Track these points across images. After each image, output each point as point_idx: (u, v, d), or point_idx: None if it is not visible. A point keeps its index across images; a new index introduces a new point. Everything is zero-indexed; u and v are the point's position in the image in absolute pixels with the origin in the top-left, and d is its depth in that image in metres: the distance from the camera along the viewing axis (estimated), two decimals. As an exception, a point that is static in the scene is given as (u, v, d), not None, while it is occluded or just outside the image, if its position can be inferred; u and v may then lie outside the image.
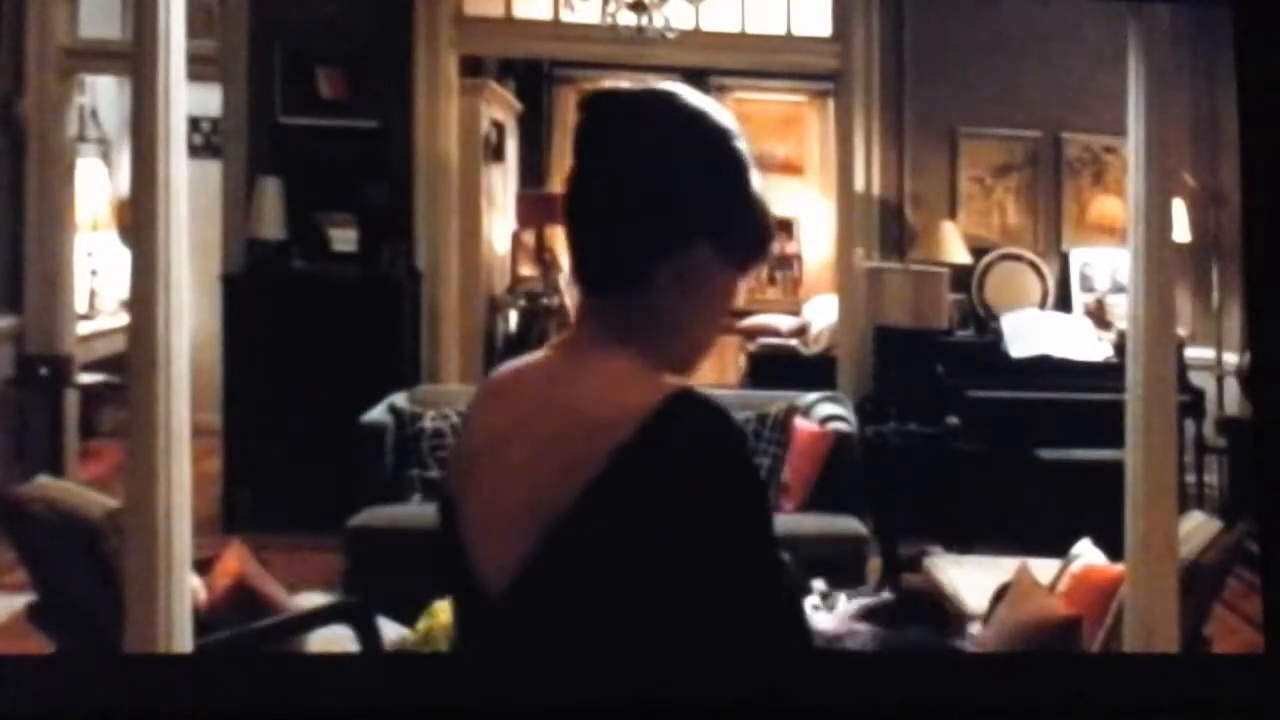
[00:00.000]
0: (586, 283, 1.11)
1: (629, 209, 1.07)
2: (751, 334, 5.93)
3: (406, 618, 3.14)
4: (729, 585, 1.00)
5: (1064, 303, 5.36)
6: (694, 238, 1.07)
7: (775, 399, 4.37)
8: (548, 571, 1.01)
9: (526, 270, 6.46)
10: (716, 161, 1.09)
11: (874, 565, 4.13)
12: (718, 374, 5.90)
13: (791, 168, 6.96)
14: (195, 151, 4.80)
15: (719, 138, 1.10)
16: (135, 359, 2.39)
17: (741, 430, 1.09)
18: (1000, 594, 3.21)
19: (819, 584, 3.42)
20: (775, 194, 1.42)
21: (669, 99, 1.10)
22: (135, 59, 2.39)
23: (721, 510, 1.00)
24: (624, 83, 1.15)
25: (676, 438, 1.00)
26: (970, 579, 3.60)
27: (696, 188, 1.08)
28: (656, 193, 1.07)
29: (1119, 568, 2.86)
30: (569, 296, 6.20)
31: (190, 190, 2.44)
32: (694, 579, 0.99)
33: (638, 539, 0.99)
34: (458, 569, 1.08)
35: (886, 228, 5.37)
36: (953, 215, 5.41)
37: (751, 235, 1.11)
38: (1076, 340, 5.06)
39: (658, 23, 4.76)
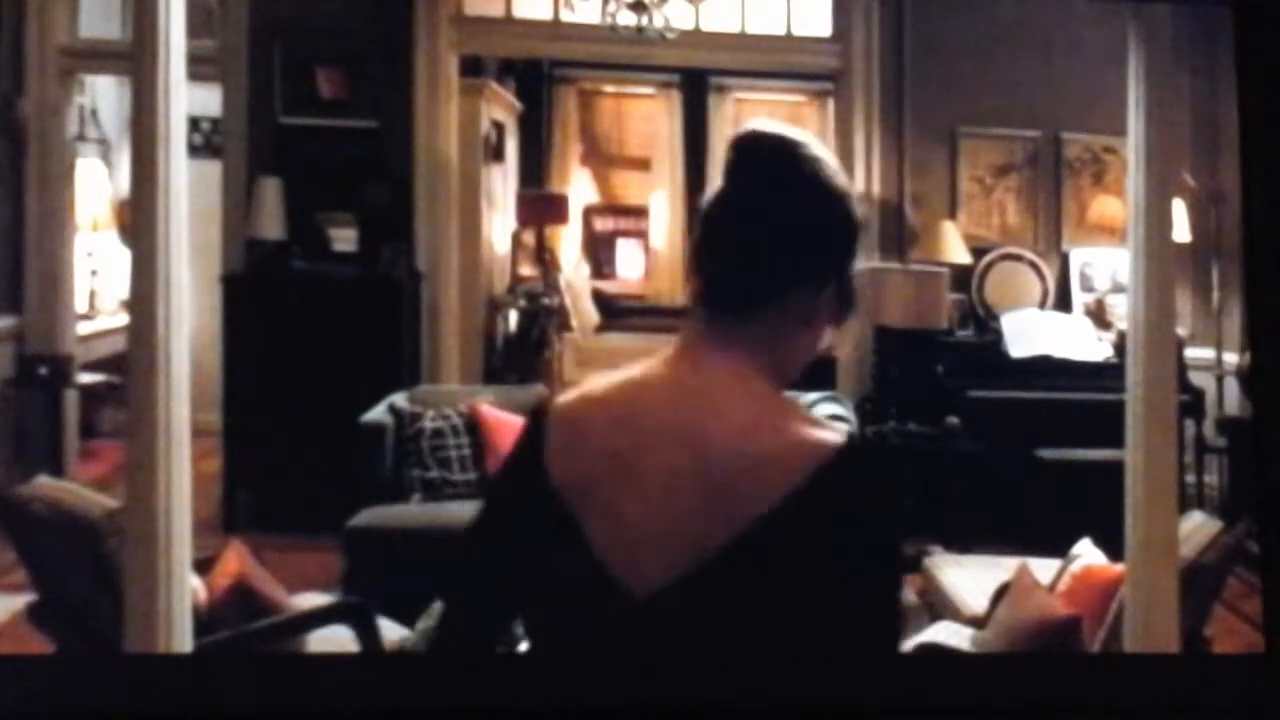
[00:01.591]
0: (723, 301, 1.20)
1: (790, 240, 1.20)
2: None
3: (406, 618, 3.14)
4: (863, 616, 1.14)
5: (1064, 303, 5.36)
6: (829, 279, 1.22)
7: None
8: (703, 587, 1.11)
9: (526, 270, 6.46)
10: (855, 219, 1.26)
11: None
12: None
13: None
14: (195, 151, 4.80)
15: (853, 202, 1.27)
16: (135, 359, 2.39)
17: (899, 481, 1.21)
18: (1000, 594, 3.21)
19: None
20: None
21: (826, 158, 1.24)
22: (135, 59, 2.39)
23: (875, 558, 1.14)
24: (781, 128, 1.26)
25: (851, 488, 1.13)
26: (970, 579, 3.60)
27: (843, 235, 1.25)
28: (817, 231, 1.22)
29: (1119, 568, 2.86)
30: (569, 296, 6.20)
31: (190, 190, 2.44)
32: (832, 606, 1.12)
33: (793, 568, 1.12)
34: (576, 564, 1.15)
35: (886, 228, 5.37)
36: (953, 215, 5.41)
37: (852, 294, 1.26)
38: (1076, 340, 5.06)
39: (658, 23, 4.76)
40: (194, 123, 5.39)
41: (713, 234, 1.22)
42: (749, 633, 1.13)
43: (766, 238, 1.20)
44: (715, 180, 1.24)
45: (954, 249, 5.22)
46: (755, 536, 1.11)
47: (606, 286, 6.84)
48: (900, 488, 1.17)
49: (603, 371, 1.24)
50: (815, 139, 1.25)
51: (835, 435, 1.15)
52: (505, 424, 4.15)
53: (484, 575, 1.27)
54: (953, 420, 4.55)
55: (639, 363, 1.23)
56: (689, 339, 1.21)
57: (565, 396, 1.24)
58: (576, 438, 1.19)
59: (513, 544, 1.22)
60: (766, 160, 1.22)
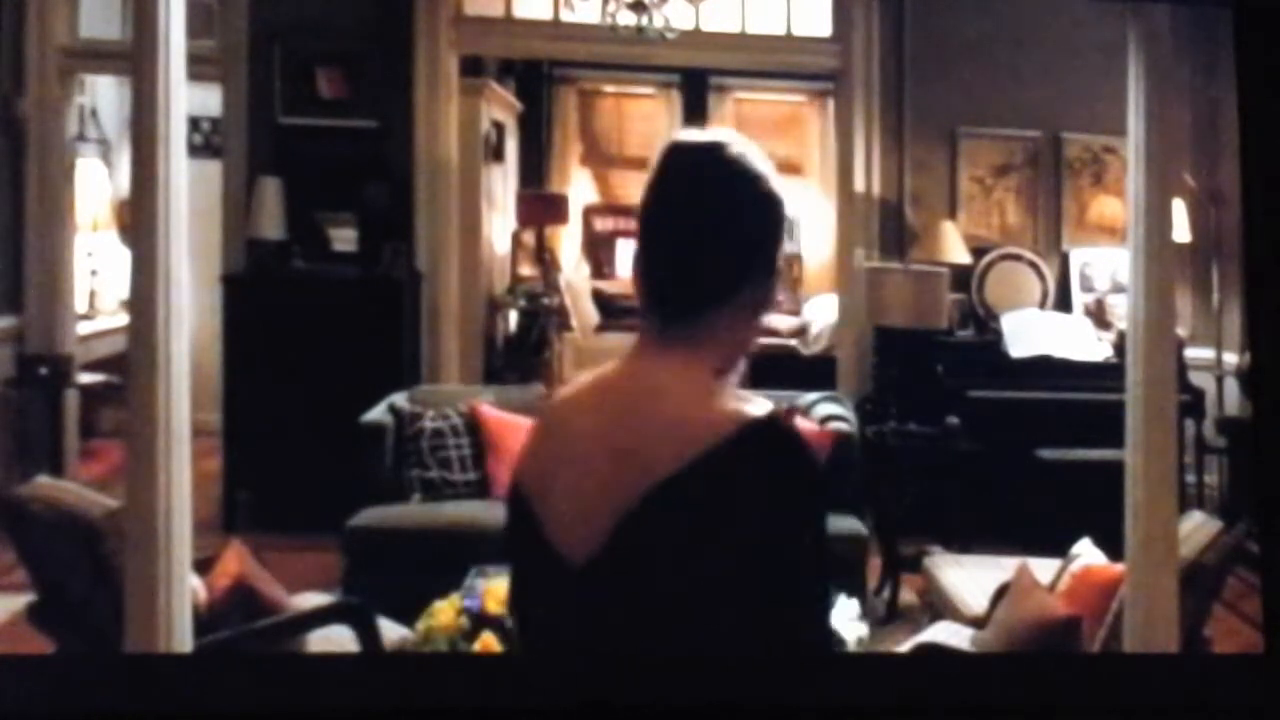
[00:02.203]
0: (671, 310, 1.24)
1: (728, 243, 1.24)
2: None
3: (406, 618, 3.14)
4: (778, 589, 1.17)
5: (1064, 303, 5.36)
6: (767, 270, 1.26)
7: (775, 399, 4.34)
8: (622, 549, 1.17)
9: (526, 270, 6.46)
10: (783, 208, 1.28)
11: (874, 565, 4.13)
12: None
13: (791, 168, 6.95)
14: (195, 151, 4.80)
15: (778, 188, 1.28)
16: (135, 359, 2.39)
17: (817, 463, 1.26)
18: (1000, 594, 3.21)
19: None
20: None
21: (750, 152, 1.26)
22: (135, 59, 2.39)
23: (786, 526, 1.17)
24: (701, 134, 1.28)
25: (752, 461, 1.16)
26: (970, 579, 3.60)
27: (775, 226, 1.27)
28: (753, 228, 1.25)
29: (1119, 568, 2.86)
30: (569, 296, 6.21)
31: (190, 190, 2.44)
32: (746, 578, 1.16)
33: (696, 531, 1.15)
34: (535, 548, 1.23)
35: (886, 228, 5.37)
36: (953, 215, 5.41)
37: (778, 278, 1.30)
38: (1076, 340, 5.06)
39: (658, 23, 4.76)
40: (194, 123, 5.39)
41: (653, 246, 1.26)
42: (671, 596, 1.16)
43: (706, 245, 1.24)
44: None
45: (954, 249, 5.22)
46: (660, 498, 1.15)
47: (606, 286, 6.84)
48: (813, 471, 1.22)
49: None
50: (736, 135, 1.27)
51: (753, 411, 1.19)
52: (505, 424, 4.15)
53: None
54: (953, 420, 4.54)
55: (609, 363, 1.28)
56: (641, 343, 1.26)
57: (555, 394, 1.35)
58: (539, 435, 1.29)
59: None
60: (693, 166, 1.25)
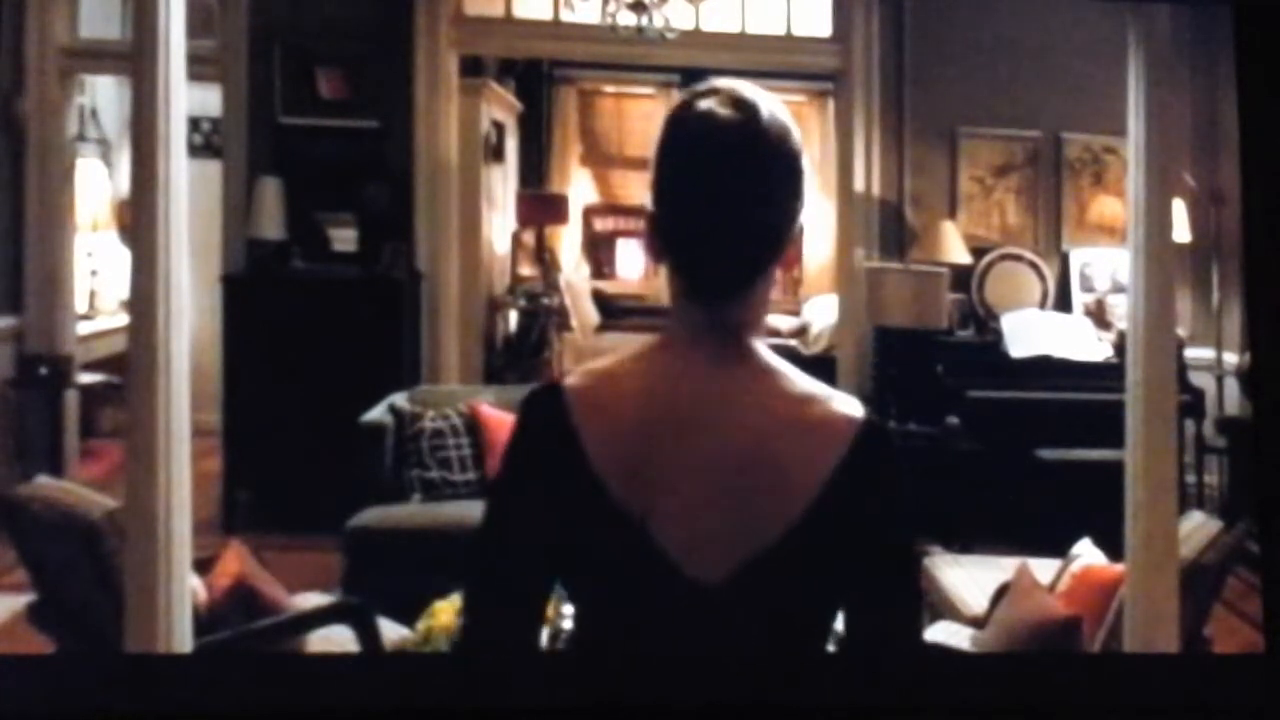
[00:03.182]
0: (720, 290, 1.19)
1: (771, 209, 1.20)
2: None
3: (406, 618, 3.14)
4: (903, 580, 1.25)
5: (1064, 303, 5.36)
6: (798, 221, 1.23)
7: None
8: (774, 565, 1.15)
9: (526, 270, 6.46)
10: (802, 154, 1.23)
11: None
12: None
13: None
14: (195, 151, 4.80)
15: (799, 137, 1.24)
16: (135, 359, 2.39)
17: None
18: (1000, 594, 3.21)
19: None
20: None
21: (774, 107, 1.21)
22: (135, 59, 2.39)
23: (906, 521, 1.23)
24: (719, 98, 1.20)
25: (879, 462, 1.19)
26: (970, 579, 3.61)
27: (801, 176, 1.22)
28: (798, 186, 1.21)
29: (1119, 568, 2.86)
30: (569, 296, 6.20)
31: (190, 190, 2.44)
32: (877, 574, 1.20)
33: (850, 538, 1.17)
34: (643, 564, 1.16)
35: (886, 228, 5.37)
36: (953, 215, 5.41)
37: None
38: (1076, 340, 5.06)
39: (658, 23, 4.76)
40: (194, 123, 5.38)
41: (707, 230, 1.18)
42: (816, 606, 1.19)
43: (759, 219, 1.19)
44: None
45: (954, 249, 5.22)
46: (812, 514, 1.15)
47: (606, 286, 6.84)
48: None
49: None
50: (747, 87, 1.21)
51: (855, 408, 1.20)
52: (505, 424, 4.15)
53: (516, 566, 1.23)
54: (953, 420, 4.54)
55: (635, 350, 1.21)
56: (688, 329, 1.20)
57: (578, 380, 1.22)
58: (611, 424, 1.18)
59: (546, 528, 1.20)
60: (740, 145, 1.17)
